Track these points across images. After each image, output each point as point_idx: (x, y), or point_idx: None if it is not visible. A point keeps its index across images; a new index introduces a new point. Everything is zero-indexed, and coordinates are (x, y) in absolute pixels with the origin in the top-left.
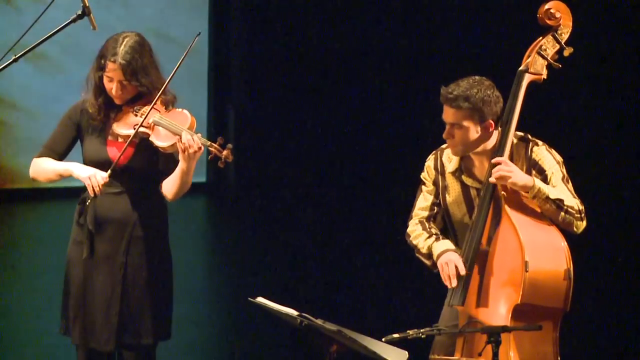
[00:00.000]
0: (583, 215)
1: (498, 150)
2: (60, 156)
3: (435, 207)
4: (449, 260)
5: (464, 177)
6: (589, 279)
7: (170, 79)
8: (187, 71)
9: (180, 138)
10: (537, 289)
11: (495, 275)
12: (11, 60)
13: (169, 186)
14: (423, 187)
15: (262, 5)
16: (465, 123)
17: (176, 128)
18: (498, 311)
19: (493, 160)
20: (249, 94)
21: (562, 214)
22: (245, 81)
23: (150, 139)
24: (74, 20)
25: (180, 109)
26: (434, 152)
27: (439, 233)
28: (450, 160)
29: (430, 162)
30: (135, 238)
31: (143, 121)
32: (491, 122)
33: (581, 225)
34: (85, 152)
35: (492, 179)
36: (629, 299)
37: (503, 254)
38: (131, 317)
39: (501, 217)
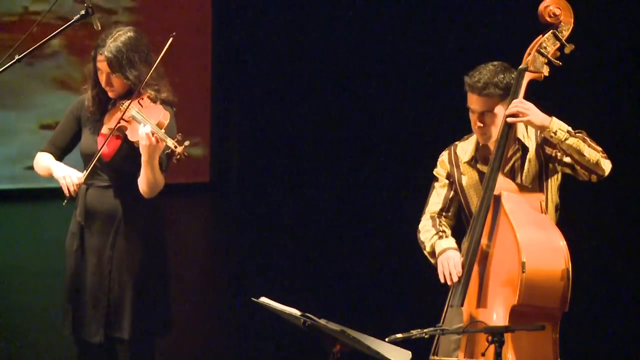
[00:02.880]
0: (605, 155)
1: (497, 149)
2: (62, 150)
3: (448, 201)
4: (447, 258)
5: (479, 166)
6: (590, 278)
7: (149, 75)
8: (189, 71)
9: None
10: (534, 290)
11: (494, 276)
12: (14, 60)
13: (139, 181)
14: (435, 183)
15: (263, 3)
16: (497, 109)
17: (144, 122)
18: (496, 312)
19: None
20: (252, 93)
21: (587, 148)
22: (248, 80)
23: (126, 132)
24: (77, 21)
25: (158, 105)
26: (447, 148)
27: (446, 230)
28: (464, 152)
29: (444, 156)
30: (122, 232)
31: (122, 115)
32: None
33: (607, 164)
34: (81, 144)
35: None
36: (630, 299)
37: (502, 254)
38: (117, 311)
39: (500, 216)
